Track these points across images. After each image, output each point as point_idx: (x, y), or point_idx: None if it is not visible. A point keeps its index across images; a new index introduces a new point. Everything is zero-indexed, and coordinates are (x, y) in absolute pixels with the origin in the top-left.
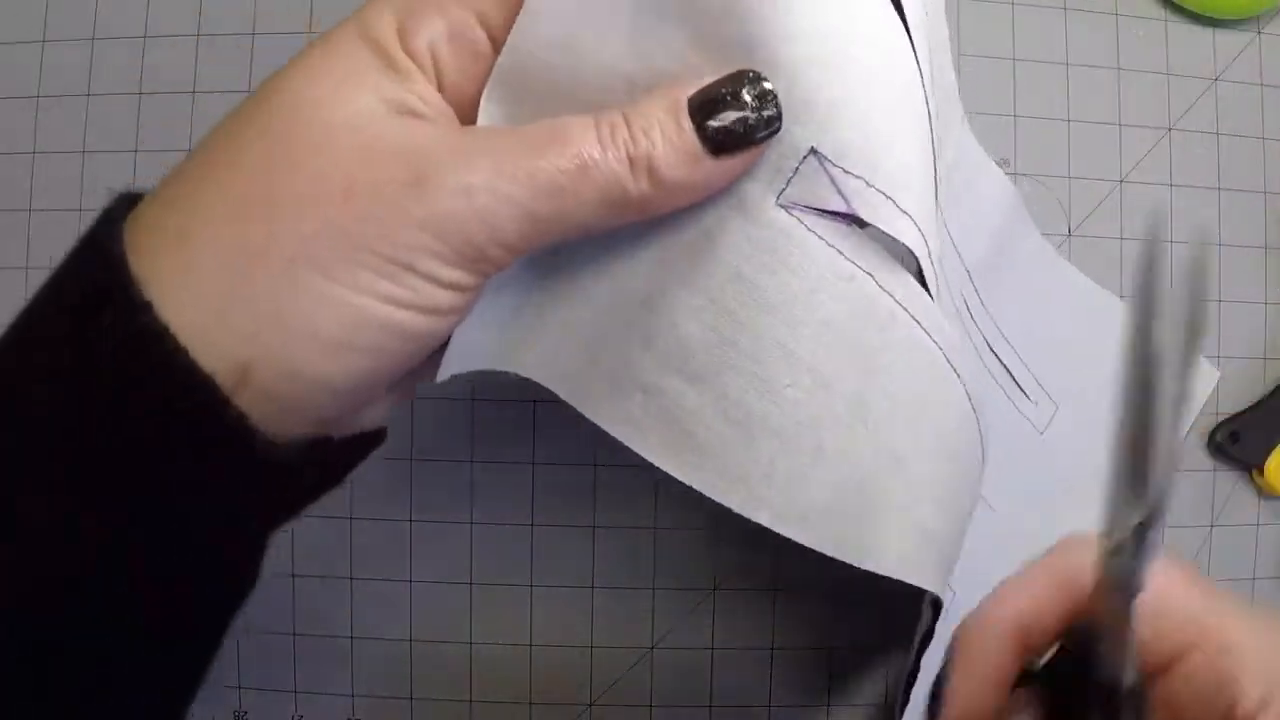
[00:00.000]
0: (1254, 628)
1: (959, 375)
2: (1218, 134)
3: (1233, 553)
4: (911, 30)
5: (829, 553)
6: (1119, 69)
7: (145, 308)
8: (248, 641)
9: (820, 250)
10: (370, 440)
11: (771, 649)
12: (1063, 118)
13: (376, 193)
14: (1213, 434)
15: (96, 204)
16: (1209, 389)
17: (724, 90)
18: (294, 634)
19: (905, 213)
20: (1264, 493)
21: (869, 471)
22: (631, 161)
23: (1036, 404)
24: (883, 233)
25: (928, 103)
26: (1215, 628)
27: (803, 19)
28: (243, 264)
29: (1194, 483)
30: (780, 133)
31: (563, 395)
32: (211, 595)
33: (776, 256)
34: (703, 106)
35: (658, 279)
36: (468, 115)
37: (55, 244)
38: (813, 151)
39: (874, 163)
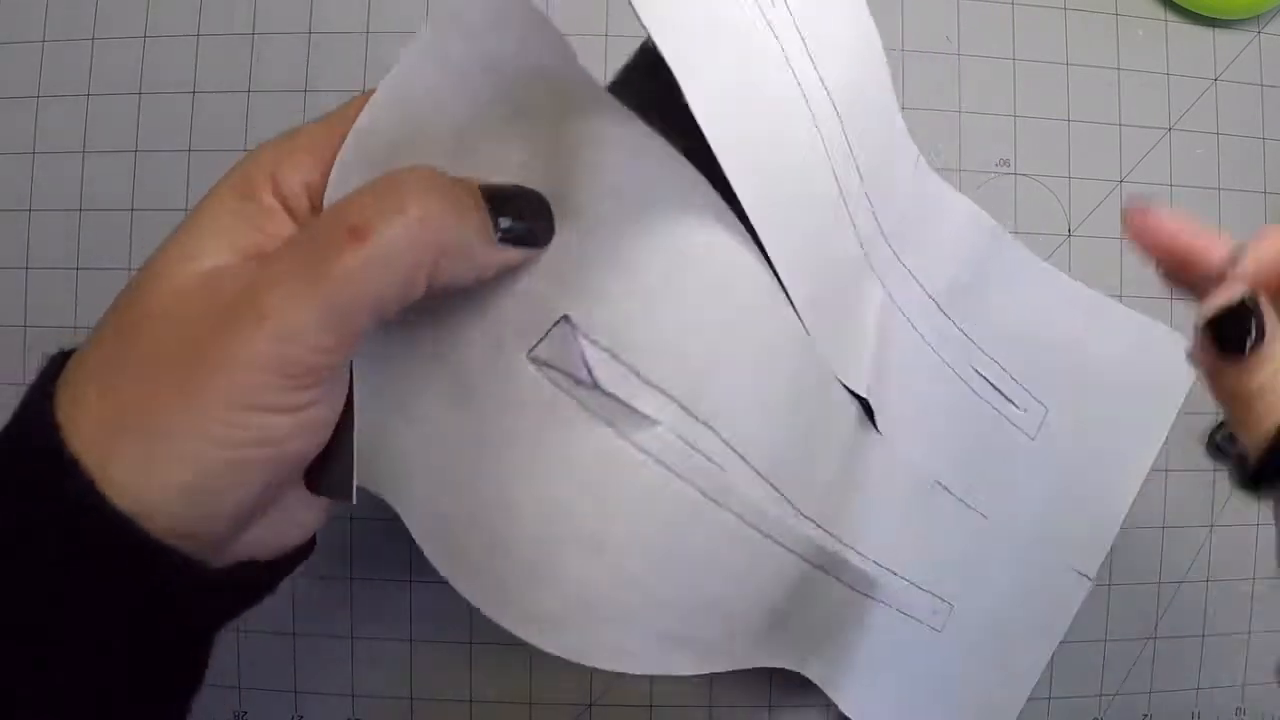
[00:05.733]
0: None
1: (720, 505)
2: (1218, 134)
3: (1233, 553)
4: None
5: (560, 654)
6: (1119, 69)
7: (88, 488)
8: (247, 641)
9: (564, 404)
10: (298, 554)
11: None
12: (1063, 118)
13: (198, 348)
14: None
15: (96, 204)
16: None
17: (512, 189)
18: (294, 634)
19: (650, 383)
20: None
21: (601, 592)
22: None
23: (1026, 411)
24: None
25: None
26: None
27: (583, 193)
28: (109, 431)
29: (1194, 483)
30: (537, 296)
31: (392, 504)
32: (166, 685)
33: (524, 406)
34: (492, 197)
35: (439, 399)
36: None
37: (54, 244)
38: (565, 319)
39: (626, 337)
